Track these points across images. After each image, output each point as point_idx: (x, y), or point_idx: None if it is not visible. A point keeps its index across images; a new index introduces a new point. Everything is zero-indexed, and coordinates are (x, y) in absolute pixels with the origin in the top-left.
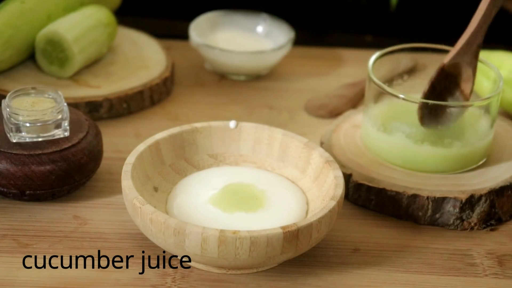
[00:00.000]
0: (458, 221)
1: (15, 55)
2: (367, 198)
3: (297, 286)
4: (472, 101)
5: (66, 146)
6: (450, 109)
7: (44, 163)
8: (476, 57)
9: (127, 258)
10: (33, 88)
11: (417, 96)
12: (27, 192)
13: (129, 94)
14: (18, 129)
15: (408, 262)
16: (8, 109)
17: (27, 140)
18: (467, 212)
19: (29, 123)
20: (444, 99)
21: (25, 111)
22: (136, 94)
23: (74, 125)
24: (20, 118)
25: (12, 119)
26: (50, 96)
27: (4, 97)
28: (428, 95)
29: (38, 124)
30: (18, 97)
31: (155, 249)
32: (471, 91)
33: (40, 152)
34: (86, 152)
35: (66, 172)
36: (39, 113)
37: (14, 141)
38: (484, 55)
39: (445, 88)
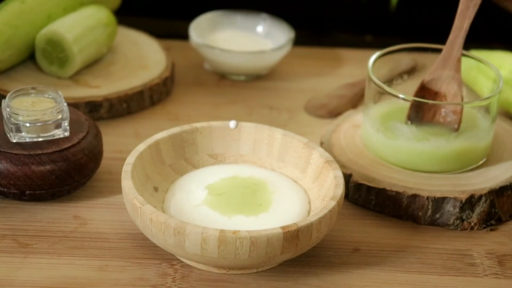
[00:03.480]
0: (458, 221)
1: (15, 55)
2: (367, 198)
3: (297, 286)
4: (472, 101)
5: (66, 146)
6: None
7: (44, 163)
8: (457, 71)
9: (127, 258)
10: (33, 88)
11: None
12: (27, 192)
13: (129, 94)
14: (18, 129)
15: (408, 262)
16: (8, 109)
17: (27, 140)
18: (467, 212)
19: (29, 123)
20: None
21: (25, 111)
22: (136, 94)
23: (74, 125)
24: (20, 118)
25: (12, 119)
26: (50, 96)
27: (4, 97)
28: (413, 111)
29: (38, 124)
30: (18, 97)
31: (155, 249)
32: (462, 108)
33: (40, 152)
34: (86, 152)
35: (66, 172)
36: (39, 113)
37: (14, 141)
38: (484, 55)
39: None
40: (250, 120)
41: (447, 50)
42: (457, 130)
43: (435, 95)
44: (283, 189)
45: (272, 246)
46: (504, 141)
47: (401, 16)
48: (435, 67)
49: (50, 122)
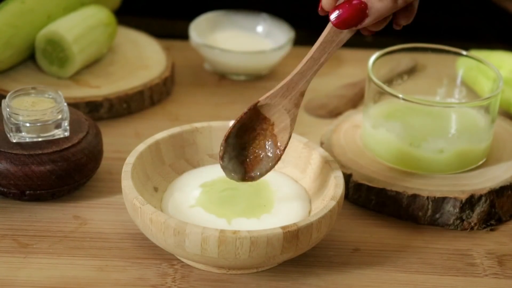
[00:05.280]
0: (458, 221)
1: (15, 55)
2: (367, 198)
3: (297, 286)
4: (472, 101)
5: (66, 146)
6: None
7: (44, 163)
8: (297, 106)
9: (127, 258)
10: (33, 88)
11: (417, 97)
12: (27, 192)
13: (129, 94)
14: (18, 129)
15: (408, 262)
16: (8, 109)
17: (27, 140)
18: (467, 212)
19: (29, 123)
20: (252, 145)
21: (25, 111)
22: (136, 94)
23: (74, 125)
24: (20, 118)
25: (12, 119)
26: (50, 96)
27: (4, 97)
28: (234, 133)
29: (38, 124)
30: (18, 97)
31: (155, 249)
32: (286, 144)
33: (40, 152)
34: (86, 152)
35: (66, 172)
36: (39, 113)
37: (14, 141)
38: (484, 55)
39: (257, 131)
40: None
41: (294, 80)
42: (252, 179)
43: (263, 120)
44: (284, 189)
45: (272, 246)
46: (504, 141)
47: None
48: (274, 92)
49: (50, 122)
